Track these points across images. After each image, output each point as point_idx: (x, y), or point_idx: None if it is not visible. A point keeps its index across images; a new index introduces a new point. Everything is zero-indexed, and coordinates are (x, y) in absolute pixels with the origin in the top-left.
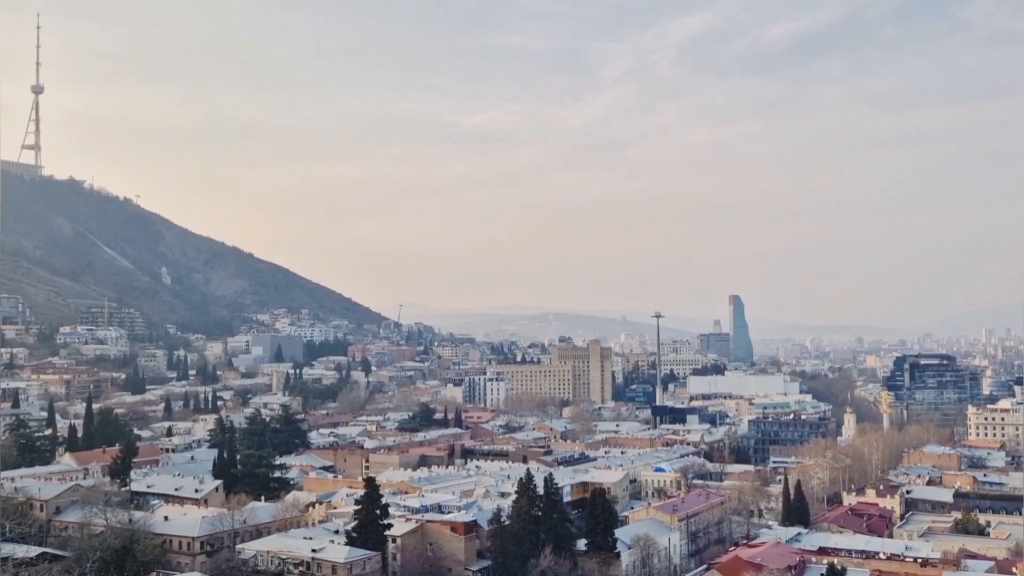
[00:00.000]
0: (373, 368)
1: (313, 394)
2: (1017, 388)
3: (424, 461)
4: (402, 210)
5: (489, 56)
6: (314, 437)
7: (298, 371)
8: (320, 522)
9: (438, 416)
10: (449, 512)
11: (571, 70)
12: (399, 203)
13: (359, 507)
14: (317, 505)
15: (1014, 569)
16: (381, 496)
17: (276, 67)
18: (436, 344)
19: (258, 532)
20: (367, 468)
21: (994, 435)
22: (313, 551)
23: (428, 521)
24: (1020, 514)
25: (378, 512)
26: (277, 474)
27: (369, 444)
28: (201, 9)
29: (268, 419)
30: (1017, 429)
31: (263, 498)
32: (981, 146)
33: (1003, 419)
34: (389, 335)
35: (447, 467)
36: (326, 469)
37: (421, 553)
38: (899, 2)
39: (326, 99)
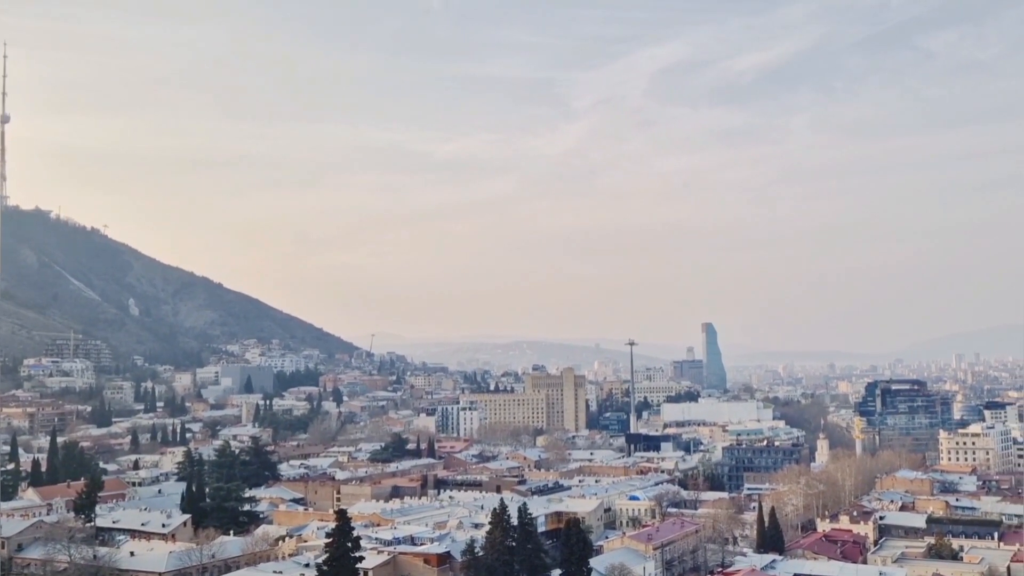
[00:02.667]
0: (345, 398)
1: (283, 425)
2: (987, 412)
3: (396, 492)
4: (375, 239)
5: (462, 86)
6: (284, 469)
7: (268, 402)
8: (290, 556)
9: (411, 446)
10: (422, 544)
11: (543, 100)
12: (372, 232)
13: (330, 540)
14: (287, 538)
15: None
16: (352, 528)
17: (247, 96)
18: (409, 373)
19: (227, 567)
20: (338, 500)
21: (966, 459)
22: None
23: (401, 553)
24: (993, 538)
25: (349, 545)
26: (247, 507)
27: (340, 475)
28: (170, 38)
29: (237, 451)
30: (988, 453)
31: (232, 532)
32: (947, 175)
33: (974, 443)
34: (361, 365)
35: (420, 498)
36: (296, 501)
37: None
38: (865, 33)
39: (298, 128)
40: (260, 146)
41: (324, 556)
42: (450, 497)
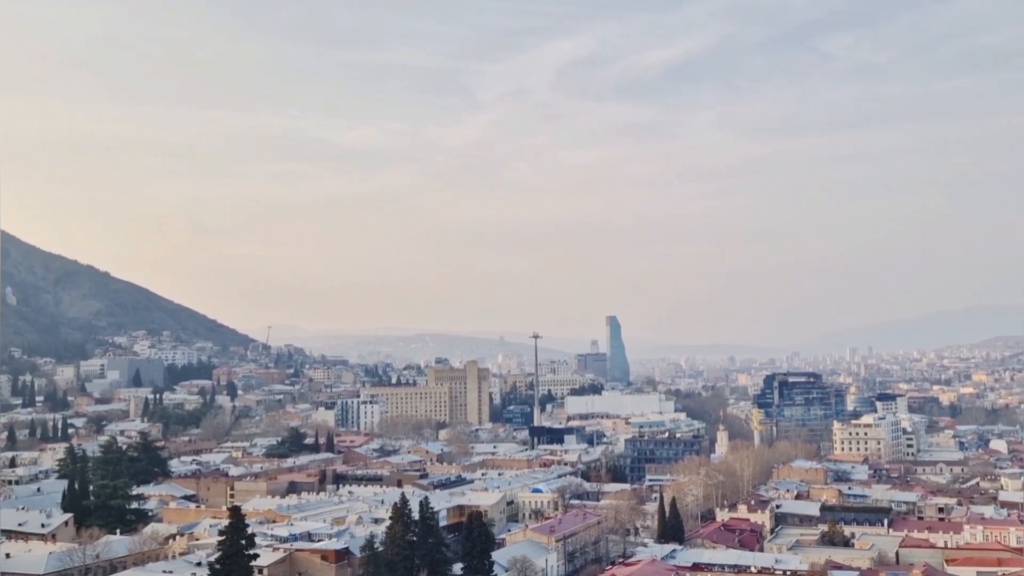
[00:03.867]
0: (239, 392)
1: (174, 420)
2: (879, 404)
3: (293, 488)
4: (273, 229)
5: (364, 74)
6: (175, 465)
7: (158, 396)
8: (181, 554)
9: (309, 441)
10: (320, 540)
11: (448, 90)
12: (270, 222)
13: (223, 538)
14: (178, 537)
15: None
16: (247, 525)
17: (138, 79)
18: (307, 367)
19: (112, 567)
20: (232, 497)
21: (858, 449)
22: None
23: (297, 550)
24: (883, 525)
25: (243, 542)
26: (134, 505)
27: (234, 471)
28: (55, 16)
29: (125, 447)
30: (879, 443)
31: (119, 531)
32: (842, 174)
33: (866, 434)
34: (257, 358)
35: (318, 493)
36: (188, 499)
37: None
38: (767, 34)
39: (193, 113)
40: (151, 131)
41: (217, 554)
42: (349, 492)
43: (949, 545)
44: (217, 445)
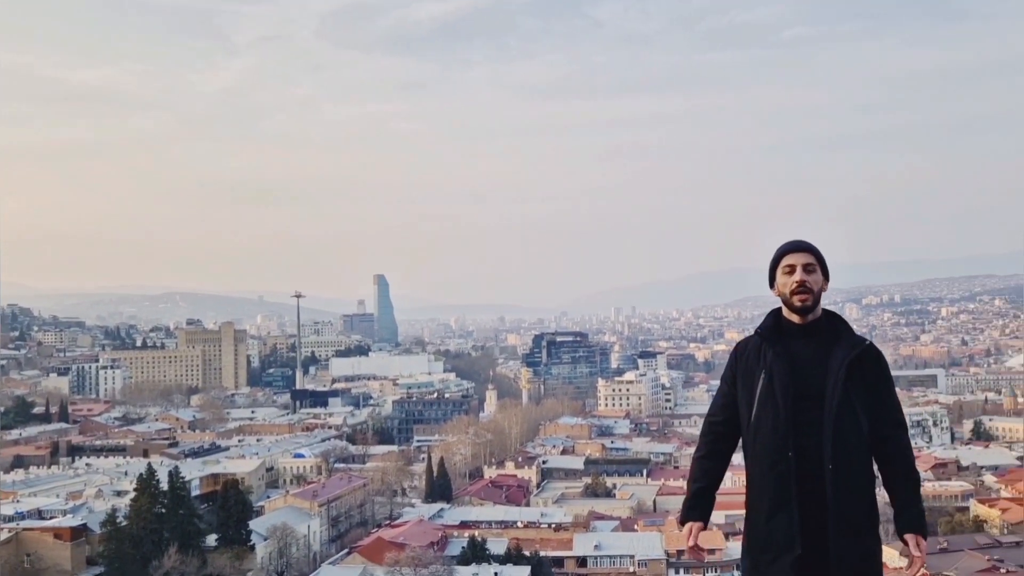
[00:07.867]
0: None
1: None
2: (641, 361)
3: (20, 462)
4: None
5: (100, 8)
6: None
7: None
8: None
9: (38, 410)
10: (52, 517)
11: (201, 31)
12: None
13: None
14: None
15: (636, 526)
16: None
17: None
18: (36, 328)
19: None
20: None
21: (620, 405)
22: None
23: (25, 529)
24: (642, 475)
25: None
26: None
27: None
28: None
29: None
30: (640, 399)
31: None
32: (610, 139)
33: (628, 390)
34: None
35: (50, 468)
36: None
37: (16, 566)
38: None
39: None
40: None
41: None
42: (87, 465)
43: None
44: None
